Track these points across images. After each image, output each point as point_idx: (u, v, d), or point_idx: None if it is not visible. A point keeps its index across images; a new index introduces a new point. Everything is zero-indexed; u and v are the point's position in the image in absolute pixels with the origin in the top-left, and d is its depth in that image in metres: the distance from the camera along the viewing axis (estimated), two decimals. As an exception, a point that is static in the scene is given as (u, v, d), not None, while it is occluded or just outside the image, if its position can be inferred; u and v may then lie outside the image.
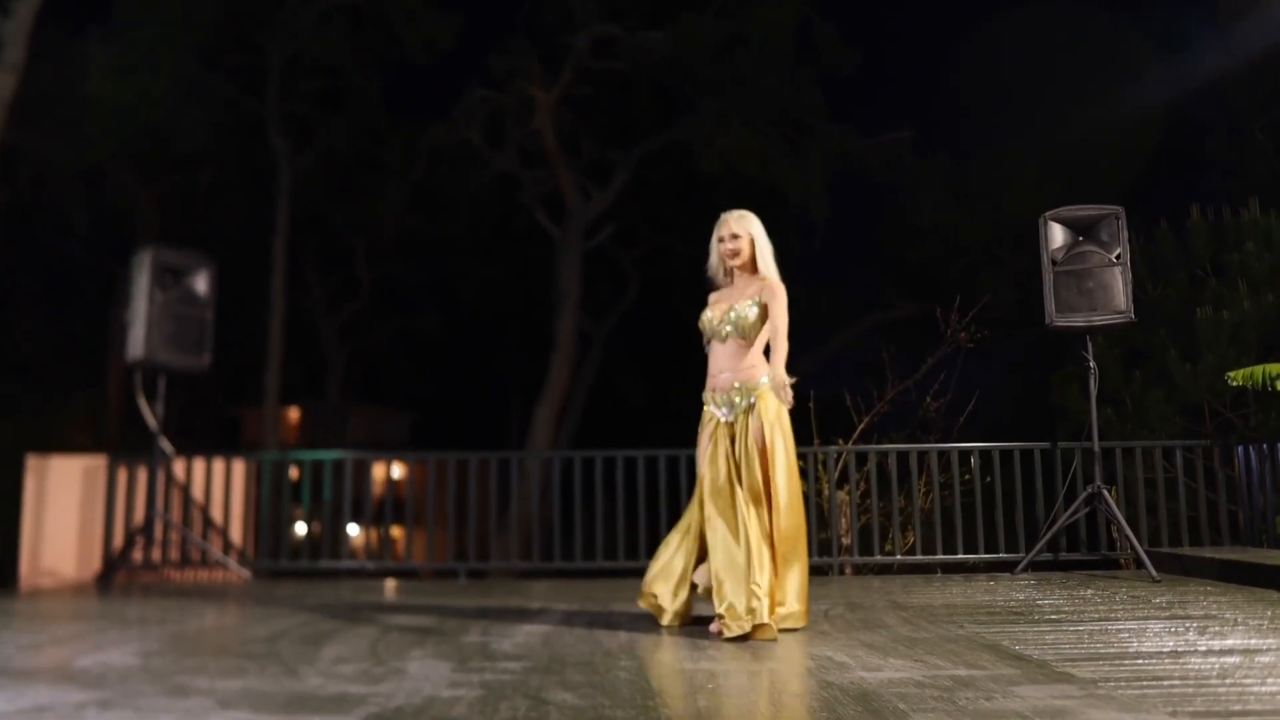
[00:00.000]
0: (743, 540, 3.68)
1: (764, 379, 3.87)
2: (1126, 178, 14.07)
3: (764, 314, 3.91)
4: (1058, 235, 5.84)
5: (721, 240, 4.02)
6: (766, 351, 3.93)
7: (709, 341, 4.00)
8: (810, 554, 6.61)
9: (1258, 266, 8.25)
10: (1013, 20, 18.26)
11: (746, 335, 3.90)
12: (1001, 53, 18.11)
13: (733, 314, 3.91)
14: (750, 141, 16.49)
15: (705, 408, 3.98)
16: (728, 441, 3.84)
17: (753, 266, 4.01)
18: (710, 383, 3.97)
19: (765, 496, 3.78)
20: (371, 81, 19.47)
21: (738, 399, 3.86)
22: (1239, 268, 8.34)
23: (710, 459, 3.86)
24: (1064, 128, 16.70)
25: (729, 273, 4.07)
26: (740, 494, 3.75)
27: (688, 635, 3.70)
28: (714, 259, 4.07)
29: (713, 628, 3.70)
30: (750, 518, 3.71)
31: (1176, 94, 16.19)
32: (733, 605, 3.60)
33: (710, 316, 3.98)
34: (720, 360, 3.94)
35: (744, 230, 4.00)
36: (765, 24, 16.34)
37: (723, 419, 3.88)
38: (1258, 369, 6.49)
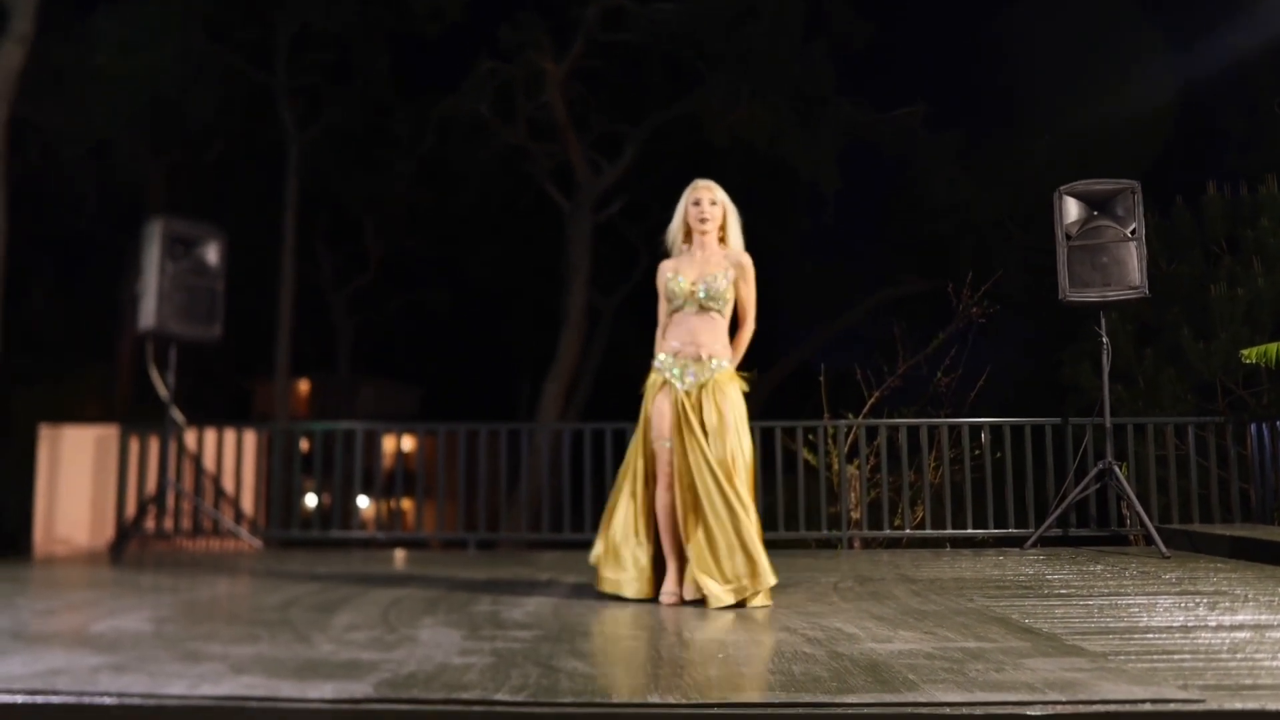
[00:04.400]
0: (720, 512, 3.68)
1: (727, 360, 3.89)
2: (1142, 153, 13.92)
3: (734, 287, 3.94)
4: (1072, 210, 5.78)
5: (698, 204, 3.97)
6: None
7: (677, 309, 3.93)
8: (820, 528, 6.65)
9: (1273, 243, 8.17)
10: (1028, -6, 18.04)
11: (720, 307, 3.91)
12: (1016, 27, 17.91)
13: (706, 284, 3.88)
14: (761, 115, 16.34)
15: (656, 374, 3.91)
16: (687, 413, 3.79)
17: (719, 236, 3.99)
18: (671, 347, 3.90)
19: (734, 468, 3.76)
20: (380, 54, 19.35)
21: (704, 371, 3.83)
22: (1254, 244, 8.26)
23: (674, 430, 3.80)
24: (1079, 102, 16.52)
25: (689, 239, 4.02)
26: (712, 466, 3.71)
27: (697, 607, 3.70)
28: (676, 224, 4.03)
29: (684, 594, 3.74)
30: (727, 489, 3.70)
31: (1193, 69, 16.01)
32: (724, 574, 3.64)
33: (683, 285, 3.91)
34: (691, 329, 3.89)
35: (721, 200, 3.99)
36: (777, -5, 16.18)
37: (680, 388, 3.84)
38: (1272, 346, 6.44)
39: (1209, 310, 8.17)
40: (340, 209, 22.04)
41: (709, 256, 3.96)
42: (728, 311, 3.94)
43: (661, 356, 3.94)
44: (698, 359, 3.86)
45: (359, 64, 19.36)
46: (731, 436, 3.78)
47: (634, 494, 3.97)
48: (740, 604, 3.63)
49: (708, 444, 3.75)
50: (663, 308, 4.03)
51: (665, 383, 3.88)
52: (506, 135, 17.47)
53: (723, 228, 4.00)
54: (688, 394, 3.83)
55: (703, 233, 3.98)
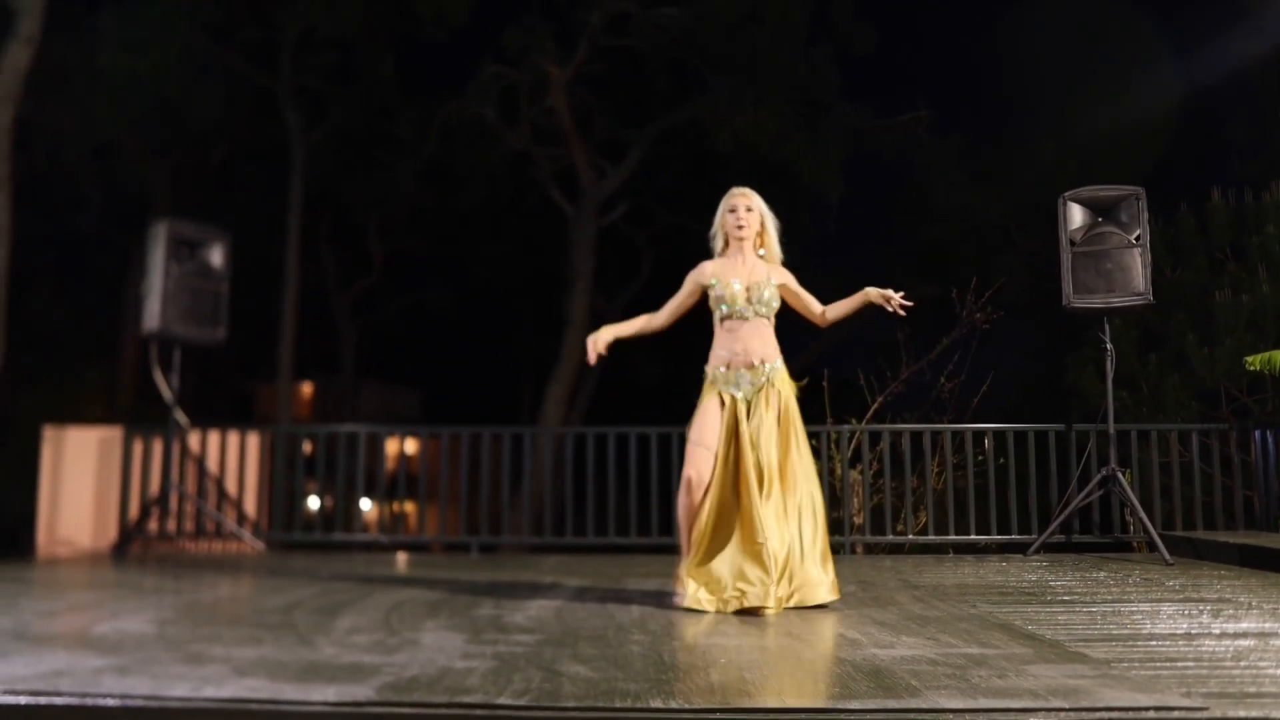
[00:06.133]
0: (759, 516, 3.69)
1: (779, 361, 3.92)
2: (1146, 159, 13.92)
3: (780, 295, 3.99)
4: (1077, 216, 5.79)
5: (734, 211, 4.00)
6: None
7: (725, 317, 3.96)
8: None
9: (1278, 250, 8.17)
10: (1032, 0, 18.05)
11: (769, 314, 3.96)
12: (1020, 32, 17.91)
13: (760, 294, 3.92)
14: (765, 120, 16.34)
15: (711, 385, 3.92)
16: (740, 422, 3.80)
17: (756, 243, 4.02)
18: (725, 358, 3.92)
19: (793, 472, 3.79)
20: (385, 57, 19.37)
21: (758, 376, 3.86)
22: (1259, 251, 8.26)
23: (727, 436, 3.82)
24: (1083, 109, 16.52)
25: (727, 245, 4.05)
26: (764, 470, 3.73)
27: (701, 611, 3.70)
28: (716, 229, 4.07)
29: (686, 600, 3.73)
30: (774, 494, 3.72)
31: (1198, 75, 16.01)
32: (748, 578, 3.64)
33: (737, 293, 3.92)
34: (744, 339, 3.91)
35: (757, 206, 4.02)
36: (781, 0, 16.18)
37: (738, 395, 3.86)
38: (1276, 353, 6.44)
39: (1213, 317, 8.17)
40: (344, 211, 22.05)
41: (753, 265, 3.99)
42: (773, 318, 3.98)
43: (713, 370, 3.94)
44: (750, 366, 3.88)
45: (363, 66, 19.38)
46: (796, 441, 3.81)
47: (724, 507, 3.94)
48: (754, 610, 3.63)
49: (760, 451, 3.76)
50: (680, 297, 4.07)
51: (721, 394, 3.89)
52: (511, 139, 17.47)
53: (760, 235, 4.03)
54: (747, 402, 3.84)
55: (740, 239, 4.01)
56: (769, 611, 3.60)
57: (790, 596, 3.73)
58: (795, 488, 3.81)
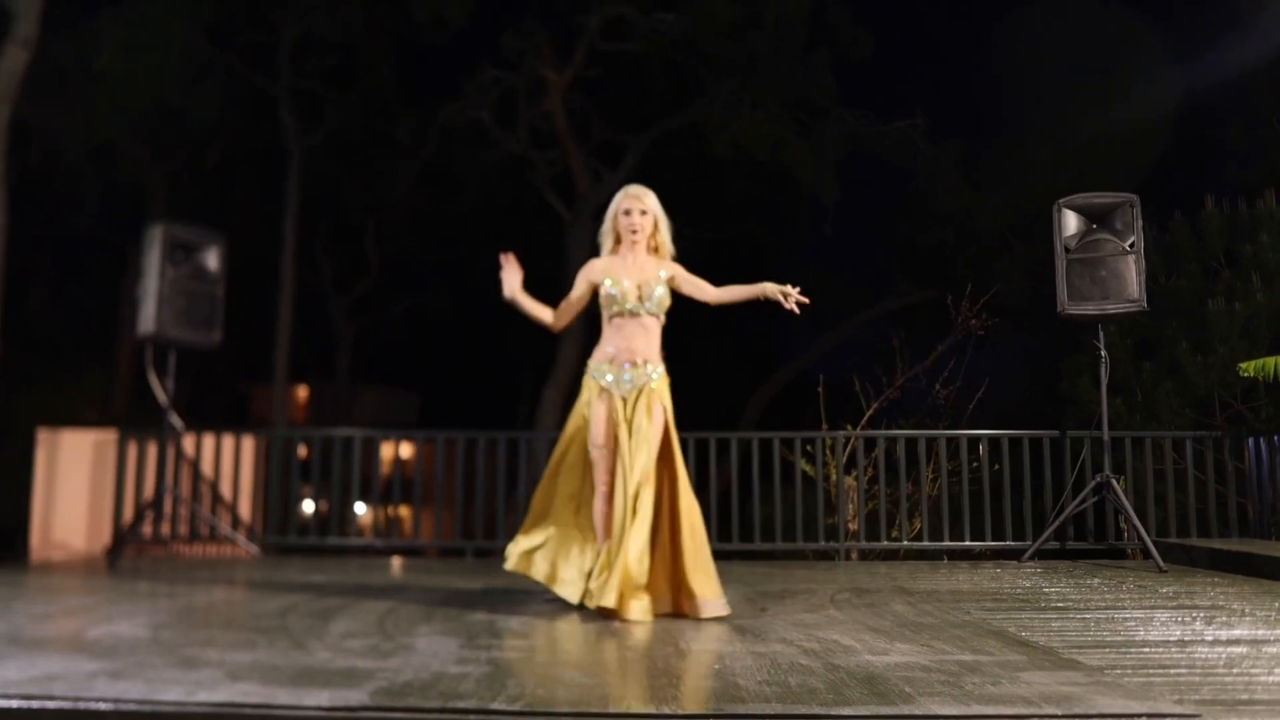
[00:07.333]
0: (634, 516, 3.69)
1: (661, 368, 3.91)
2: (1141, 166, 13.95)
3: (669, 286, 3.98)
4: (1071, 223, 5.80)
5: (628, 214, 3.98)
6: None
7: (615, 315, 3.93)
8: (817, 539, 6.65)
9: (1272, 258, 8.19)
10: (1029, 6, 18.11)
11: (659, 313, 3.95)
12: (1017, 39, 17.96)
13: (651, 292, 3.90)
14: (762, 124, 16.38)
15: (591, 380, 3.92)
16: (621, 416, 3.80)
17: (649, 244, 4.01)
18: (610, 354, 3.91)
19: (672, 479, 3.79)
20: (383, 60, 19.39)
21: (639, 375, 3.85)
22: (1253, 259, 8.28)
23: (606, 434, 3.82)
24: (1079, 115, 16.57)
25: (618, 243, 4.03)
26: (628, 474, 3.71)
27: (695, 619, 3.70)
28: (607, 228, 4.05)
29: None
30: (645, 495, 3.70)
31: (1193, 84, 16.07)
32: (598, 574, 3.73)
33: (625, 290, 3.91)
34: (629, 336, 3.90)
35: (650, 207, 4.01)
36: (779, 5, 16.21)
37: (616, 393, 3.84)
38: (1269, 361, 6.44)
39: (1207, 324, 8.19)
40: (341, 214, 22.06)
41: (642, 264, 3.97)
42: (662, 318, 3.98)
43: (596, 364, 3.94)
44: (634, 364, 3.87)
45: (361, 69, 19.40)
46: (671, 449, 3.81)
47: (573, 496, 4.00)
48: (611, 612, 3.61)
49: (635, 449, 3.74)
50: (573, 296, 4.05)
51: (602, 390, 3.88)
52: (508, 143, 17.49)
53: (653, 236, 4.02)
54: (624, 400, 3.83)
55: (633, 242, 4.00)
56: (633, 616, 3.56)
57: (673, 606, 3.72)
58: (676, 498, 3.76)
